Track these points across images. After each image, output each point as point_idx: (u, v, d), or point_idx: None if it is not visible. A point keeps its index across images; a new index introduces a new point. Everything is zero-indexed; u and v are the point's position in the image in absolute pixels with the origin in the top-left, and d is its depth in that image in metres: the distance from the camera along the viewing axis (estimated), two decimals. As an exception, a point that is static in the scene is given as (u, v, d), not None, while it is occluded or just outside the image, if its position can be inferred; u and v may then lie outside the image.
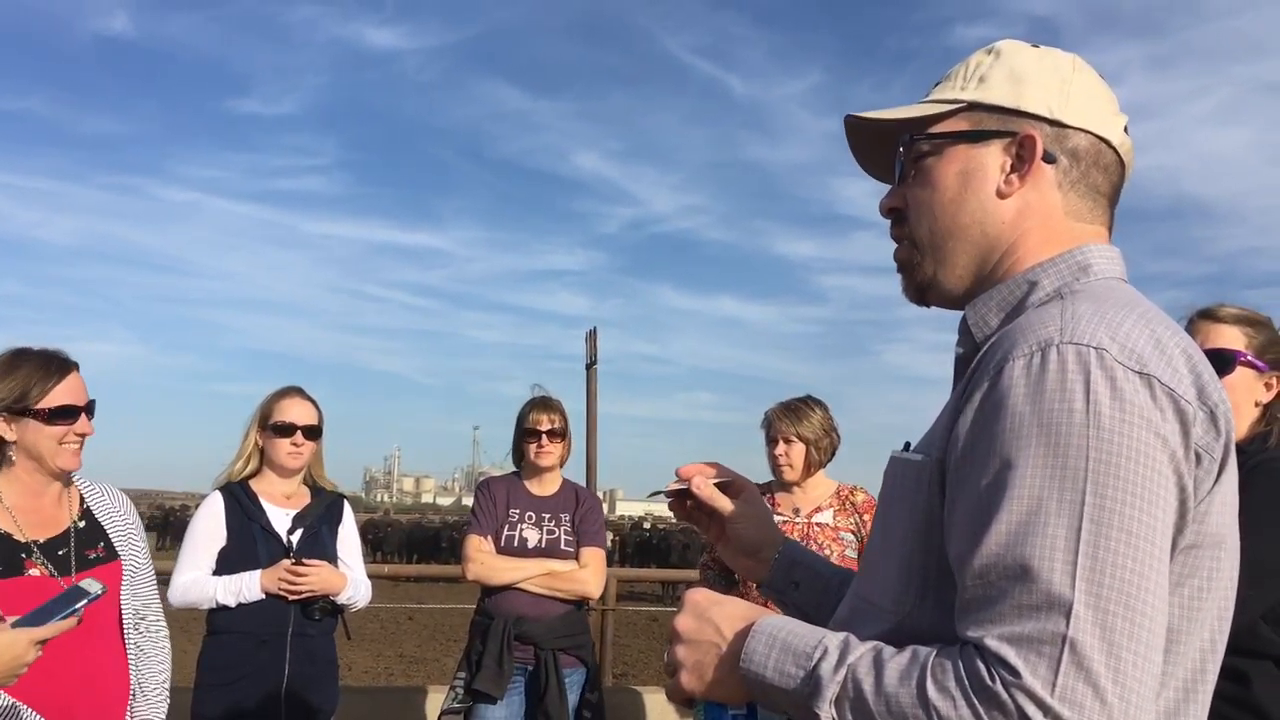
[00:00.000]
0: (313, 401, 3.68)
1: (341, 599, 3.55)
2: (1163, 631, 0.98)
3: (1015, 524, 1.00)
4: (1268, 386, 2.38)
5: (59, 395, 2.56)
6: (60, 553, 2.58)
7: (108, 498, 2.80)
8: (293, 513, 3.57)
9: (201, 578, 3.42)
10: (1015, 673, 0.94)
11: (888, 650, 1.05)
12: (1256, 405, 2.37)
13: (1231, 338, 2.39)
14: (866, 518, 3.87)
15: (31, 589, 2.43)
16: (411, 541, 31.15)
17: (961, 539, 1.05)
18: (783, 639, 1.11)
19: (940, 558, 1.10)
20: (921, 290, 1.32)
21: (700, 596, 1.23)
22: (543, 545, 3.99)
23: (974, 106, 1.27)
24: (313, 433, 3.62)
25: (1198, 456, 1.05)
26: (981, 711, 0.95)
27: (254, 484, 3.58)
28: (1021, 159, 1.23)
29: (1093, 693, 0.93)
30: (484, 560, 3.96)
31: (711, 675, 1.18)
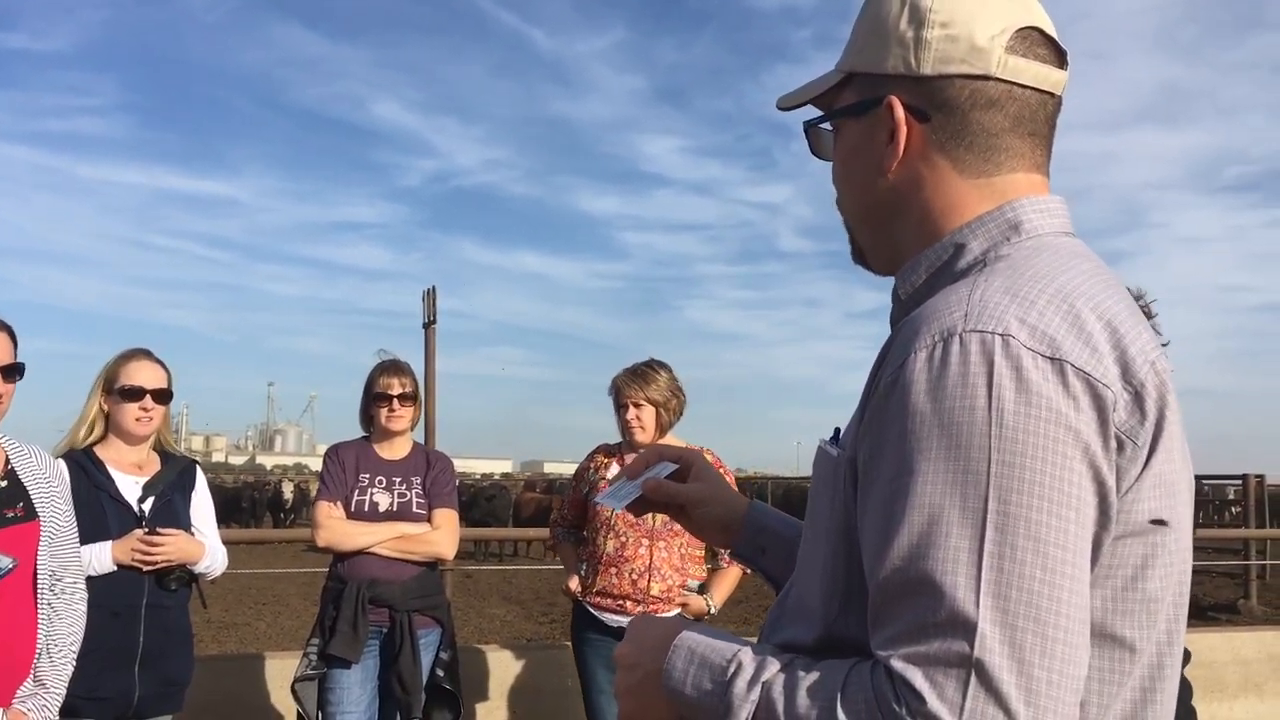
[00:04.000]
0: (162, 364, 3.58)
1: (199, 568, 3.50)
2: (1081, 642, 0.93)
3: (917, 535, 0.94)
4: None
5: None
6: None
7: (34, 460, 2.81)
8: (143, 480, 3.48)
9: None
10: (920, 698, 0.89)
11: (802, 667, 1.01)
12: None
13: None
14: None
15: None
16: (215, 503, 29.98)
17: (868, 550, 0.99)
18: (701, 653, 1.09)
19: (859, 563, 1.03)
20: (859, 259, 1.28)
21: (638, 621, 1.21)
22: (394, 509, 4.02)
23: (852, 76, 1.19)
24: (162, 396, 3.53)
25: (1120, 443, 0.97)
26: None
27: (99, 451, 3.46)
28: (894, 129, 1.14)
29: (1003, 716, 0.88)
30: (334, 526, 3.96)
31: (643, 696, 1.15)
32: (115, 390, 3.46)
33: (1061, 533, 0.92)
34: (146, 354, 3.57)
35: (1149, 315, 2.60)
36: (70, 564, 2.86)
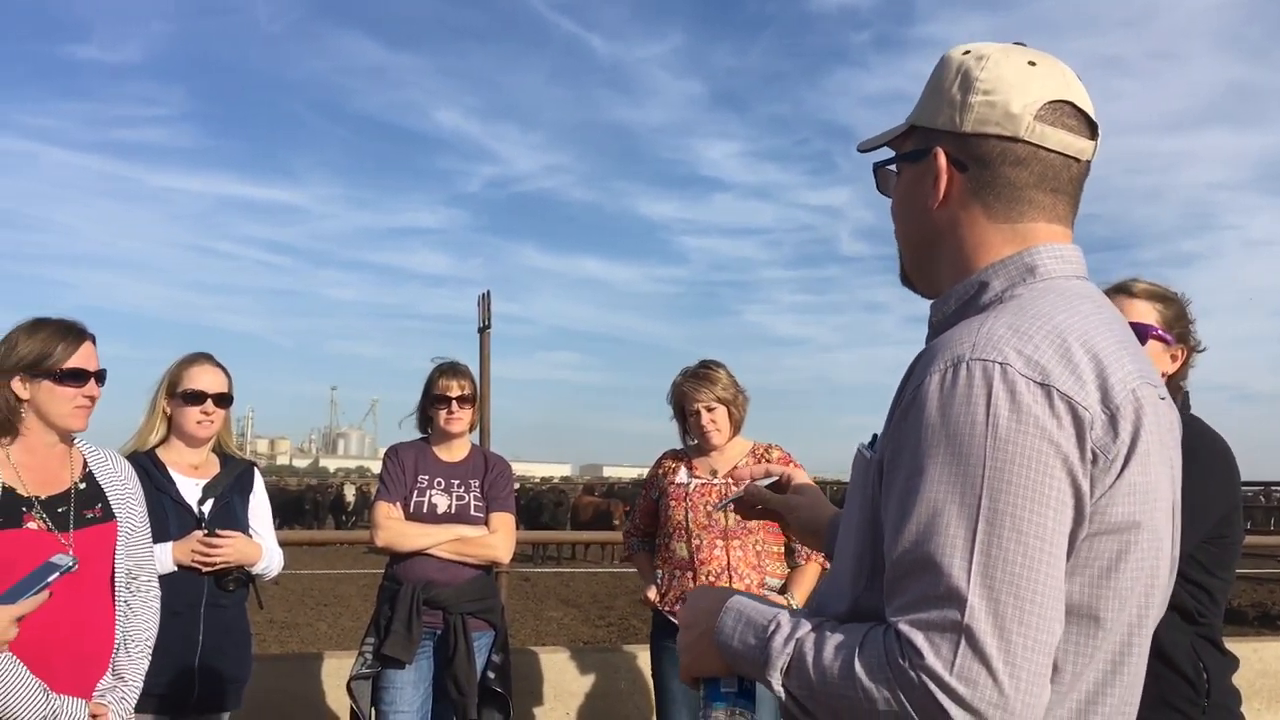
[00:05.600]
0: (223, 368, 3.63)
1: (256, 569, 3.55)
2: (1054, 615, 1.13)
3: (923, 524, 1.15)
4: (1173, 358, 2.57)
5: (73, 359, 2.73)
6: (60, 510, 2.70)
7: (110, 462, 2.92)
8: (202, 483, 3.53)
9: None
10: (920, 655, 1.10)
11: (830, 628, 1.22)
12: (1163, 375, 2.55)
13: (1143, 312, 2.56)
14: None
15: (28, 541, 2.59)
16: (275, 505, 30.45)
17: (887, 535, 1.20)
18: (747, 614, 1.31)
19: (881, 547, 1.23)
20: (905, 282, 1.50)
21: (696, 590, 1.43)
22: (452, 511, 4.04)
23: (914, 128, 1.41)
24: (223, 400, 3.58)
25: (1094, 456, 1.16)
26: (895, 686, 1.11)
27: (161, 453, 3.52)
28: (937, 175, 1.36)
29: (986, 671, 1.08)
30: (392, 526, 3.98)
31: (698, 650, 1.38)
32: (177, 394, 3.52)
33: (1040, 526, 1.13)
34: (208, 358, 3.63)
35: (1188, 320, 2.63)
36: (145, 563, 2.93)
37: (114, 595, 2.78)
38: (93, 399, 2.79)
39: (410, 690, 3.92)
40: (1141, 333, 2.51)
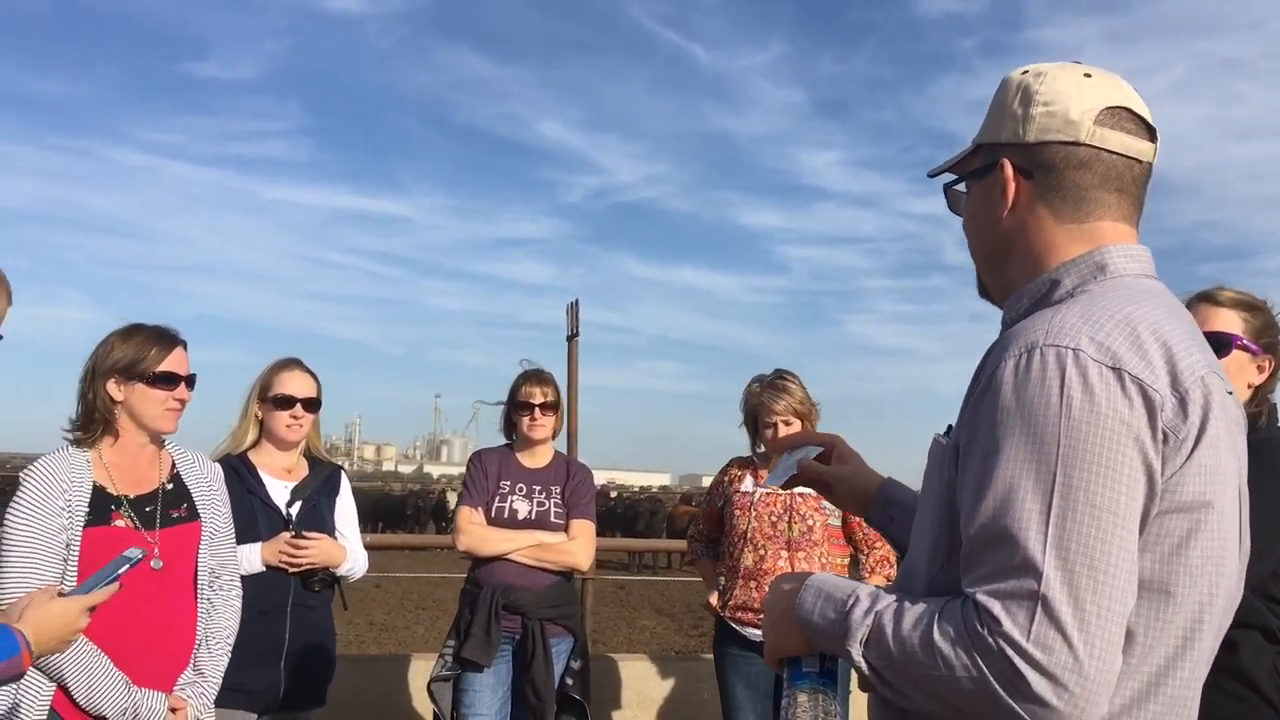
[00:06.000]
0: (312, 374, 3.72)
1: (340, 570, 3.63)
2: (1126, 586, 1.18)
3: (1000, 499, 1.20)
4: (1260, 369, 2.47)
5: (165, 364, 2.83)
6: (147, 509, 2.80)
7: (197, 464, 3.03)
8: (291, 485, 3.62)
9: None
10: (998, 622, 1.15)
11: (910, 600, 1.27)
12: (1249, 387, 2.46)
13: (1229, 321, 2.47)
14: None
15: (115, 538, 2.67)
16: (378, 510, 31.10)
17: (964, 512, 1.26)
18: (826, 590, 1.36)
19: (957, 529, 1.28)
20: (983, 294, 1.57)
21: (776, 579, 1.48)
22: (532, 517, 4.07)
23: (980, 147, 1.50)
24: (312, 405, 3.67)
25: (1165, 437, 1.21)
26: (974, 652, 1.16)
27: (253, 456, 3.62)
28: (1004, 184, 1.43)
29: (1061, 638, 1.13)
30: (474, 531, 4.04)
31: (780, 630, 1.44)
32: (268, 398, 3.62)
33: (1113, 501, 1.18)
34: (298, 364, 3.73)
35: (1278, 330, 2.54)
36: (228, 562, 3.02)
37: (196, 593, 2.87)
38: (183, 402, 2.88)
39: (489, 694, 3.96)
40: (1226, 342, 2.42)
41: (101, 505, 2.72)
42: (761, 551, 4.00)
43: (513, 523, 4.05)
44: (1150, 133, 1.43)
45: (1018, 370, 1.24)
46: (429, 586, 16.80)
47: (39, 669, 2.54)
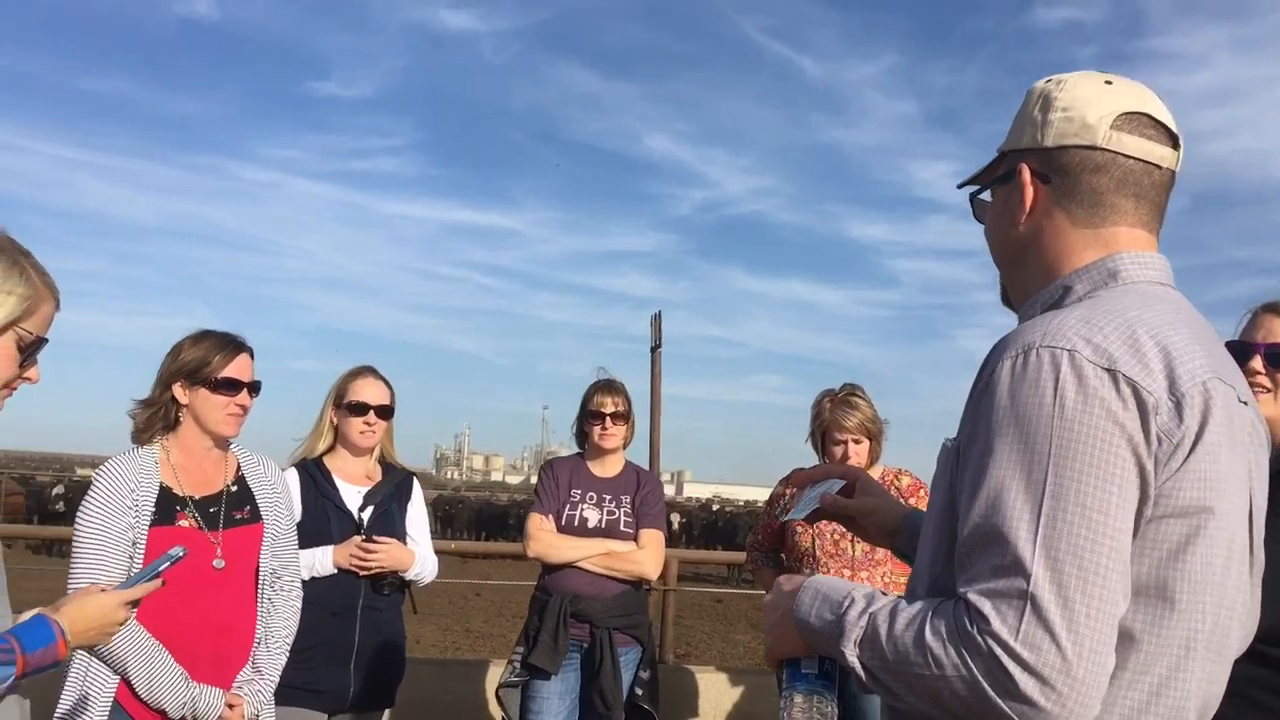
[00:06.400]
0: (385, 381, 3.80)
1: (409, 574, 3.69)
2: (1116, 586, 1.17)
3: (992, 499, 1.21)
4: None
5: (229, 369, 2.92)
6: (211, 510, 2.90)
7: (262, 468, 3.12)
8: (364, 490, 3.71)
9: None
10: (987, 621, 1.15)
11: (902, 602, 1.28)
12: None
13: None
14: (912, 501, 3.91)
15: (178, 538, 2.74)
16: (480, 519, 31.61)
17: (960, 511, 1.26)
18: (824, 592, 1.37)
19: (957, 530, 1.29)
20: (1006, 302, 1.57)
21: (780, 578, 1.50)
22: (602, 525, 4.10)
23: (1003, 155, 1.51)
24: (385, 412, 3.75)
25: (1159, 439, 1.20)
26: (964, 652, 1.16)
27: (328, 461, 3.72)
28: (1022, 189, 1.45)
29: (1049, 638, 1.13)
30: (544, 539, 4.08)
31: (779, 631, 1.44)
32: (343, 405, 3.72)
33: (1104, 501, 1.17)
34: (372, 371, 3.82)
35: None
36: (289, 564, 3.10)
37: (258, 593, 2.95)
38: (245, 408, 2.97)
39: (556, 701, 3.99)
40: None
41: (167, 505, 2.81)
42: (825, 570, 3.95)
43: (582, 531, 4.08)
44: (1173, 140, 1.42)
45: (1013, 371, 1.24)
46: (527, 595, 16.92)
47: (102, 661, 2.65)
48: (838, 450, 4.02)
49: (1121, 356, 1.21)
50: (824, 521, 3.91)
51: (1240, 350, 2.33)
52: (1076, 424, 1.18)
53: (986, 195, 1.58)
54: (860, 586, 1.34)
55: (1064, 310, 1.31)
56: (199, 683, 2.76)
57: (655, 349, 6.38)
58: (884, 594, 1.31)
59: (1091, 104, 1.40)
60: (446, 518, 34.25)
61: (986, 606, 1.16)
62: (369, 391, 3.73)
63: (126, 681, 2.68)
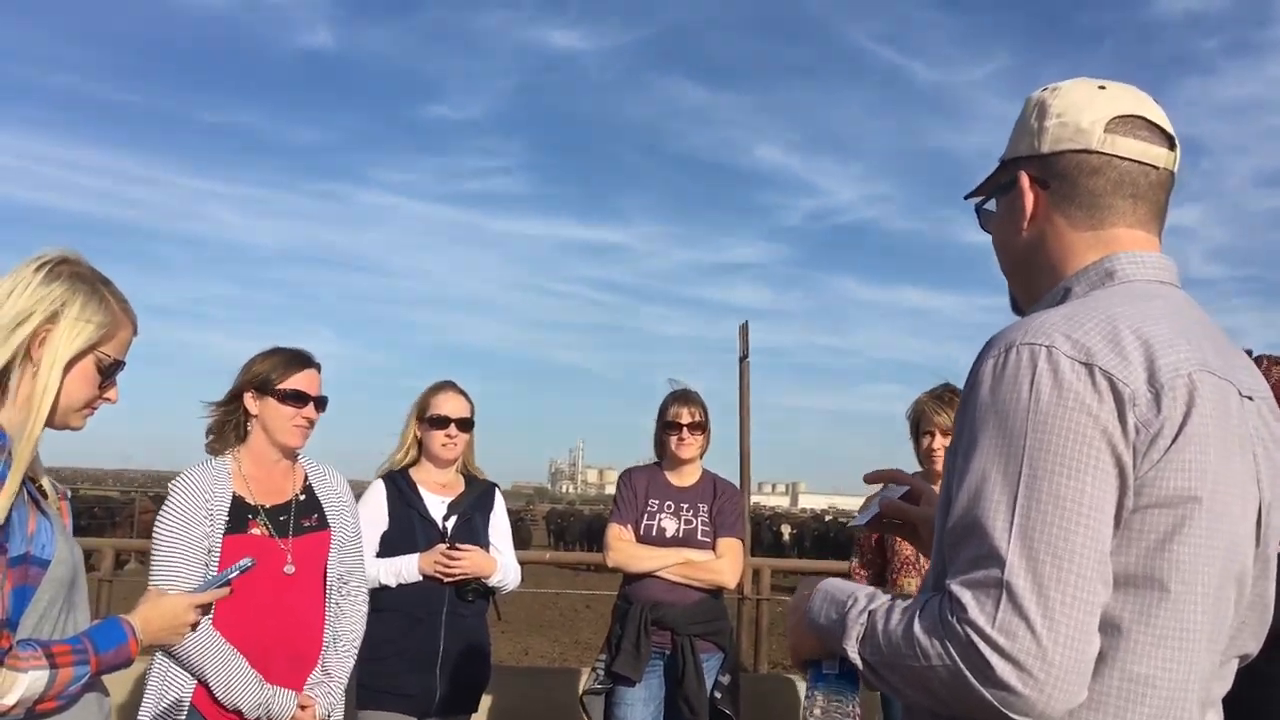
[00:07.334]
0: (465, 394, 3.94)
1: (492, 582, 3.81)
2: (1092, 574, 1.19)
3: (972, 492, 1.25)
4: None
5: (296, 382, 3.07)
6: (281, 518, 3.03)
7: (328, 478, 3.25)
8: (448, 500, 3.84)
9: (366, 559, 3.71)
10: (965, 610, 1.19)
11: (900, 600, 1.32)
12: None
13: None
14: None
15: (251, 545, 2.89)
16: (591, 531, 31.76)
17: (951, 505, 1.30)
18: (831, 594, 1.42)
19: None
20: (1016, 310, 1.59)
21: (803, 581, 1.55)
22: (680, 535, 4.14)
23: (1003, 164, 1.55)
24: (465, 425, 3.88)
25: (1137, 430, 1.22)
26: (946, 641, 1.21)
27: (413, 473, 3.87)
28: (1022, 195, 1.48)
29: (1025, 625, 1.16)
30: (623, 549, 4.14)
31: (798, 634, 1.49)
32: (426, 419, 3.86)
33: (1078, 491, 1.20)
34: (452, 385, 3.96)
35: None
36: (355, 569, 3.21)
37: (326, 597, 3.07)
38: (311, 420, 3.10)
39: (640, 707, 4.05)
40: None
41: (240, 514, 2.96)
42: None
43: (661, 540, 4.13)
44: (1169, 141, 1.45)
45: (995, 368, 1.28)
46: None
47: (181, 665, 2.80)
48: (926, 440, 3.96)
49: (1099, 350, 1.24)
50: (875, 528, 3.88)
51: None
52: (1051, 417, 1.21)
53: (992, 205, 1.60)
54: (865, 588, 1.39)
55: (1051, 309, 1.34)
56: (272, 684, 2.88)
57: (744, 359, 6.40)
58: (882, 594, 1.36)
59: (1085, 109, 1.43)
60: (559, 530, 34.60)
61: (966, 596, 1.20)
62: (450, 405, 3.87)
63: (204, 684, 2.82)
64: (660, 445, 4.35)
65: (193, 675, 2.83)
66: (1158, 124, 1.45)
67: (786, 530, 29.94)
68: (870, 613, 1.32)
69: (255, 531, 2.97)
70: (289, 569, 2.97)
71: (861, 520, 1.88)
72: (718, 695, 4.07)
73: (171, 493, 2.94)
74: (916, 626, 1.24)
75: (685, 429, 4.22)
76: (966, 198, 1.65)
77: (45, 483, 2.01)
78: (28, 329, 1.88)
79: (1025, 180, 1.48)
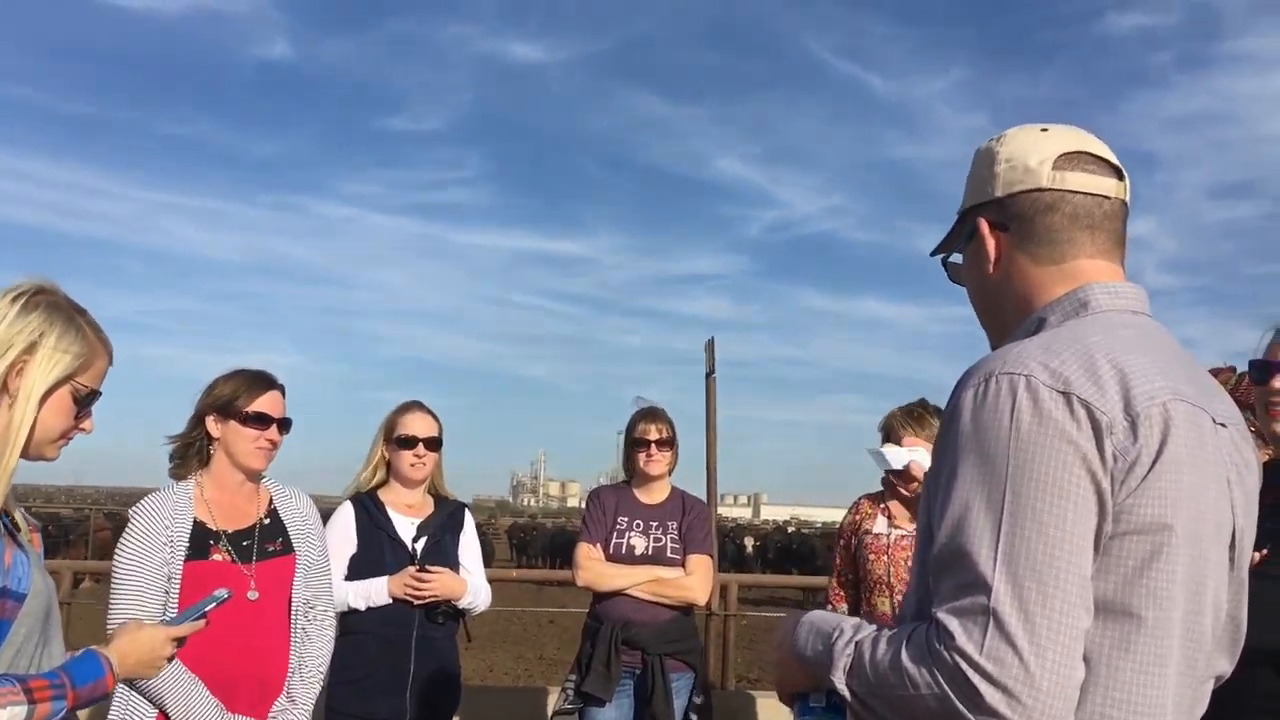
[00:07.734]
0: (432, 414, 3.92)
1: (462, 603, 3.77)
2: (1076, 599, 1.21)
3: (956, 519, 1.27)
4: None
5: (259, 405, 3.01)
6: (244, 543, 2.98)
7: (294, 500, 3.19)
8: (417, 521, 3.81)
9: (334, 583, 3.67)
10: (953, 638, 1.21)
11: (885, 629, 1.34)
12: None
13: None
14: None
15: (212, 572, 2.86)
16: (554, 546, 31.61)
17: (933, 534, 1.32)
18: (817, 625, 1.43)
19: None
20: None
21: (789, 615, 1.56)
22: (649, 552, 4.14)
23: (963, 215, 1.60)
24: (434, 444, 3.85)
25: (1115, 458, 1.24)
26: (934, 669, 1.22)
27: (381, 494, 3.83)
28: (984, 241, 1.52)
29: (1012, 651, 1.18)
30: (593, 567, 4.13)
31: (785, 667, 1.51)
32: (393, 439, 3.83)
33: (1060, 517, 1.22)
34: (420, 405, 3.94)
35: None
36: (322, 594, 3.16)
37: (291, 623, 3.02)
38: (274, 443, 3.05)
39: (610, 727, 4.04)
40: None
41: (201, 540, 2.90)
42: (900, 598, 3.89)
43: (630, 558, 4.13)
44: (1116, 172, 1.49)
45: (975, 398, 1.30)
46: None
47: (141, 694, 2.76)
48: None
49: (1076, 379, 1.26)
50: (899, 548, 3.88)
51: (1261, 369, 2.33)
52: (1032, 445, 1.23)
53: (957, 258, 1.64)
54: (850, 619, 1.39)
55: (1027, 339, 1.37)
56: (234, 713, 2.83)
57: (710, 375, 6.42)
58: (867, 624, 1.36)
59: (1031, 150, 1.48)
60: (522, 545, 34.40)
61: (953, 624, 1.21)
62: (417, 425, 3.84)
63: (165, 714, 2.77)
64: (629, 463, 4.35)
65: (153, 704, 2.78)
66: (1103, 157, 1.49)
67: (750, 542, 29.92)
68: (857, 643, 1.33)
69: (217, 557, 2.92)
70: (252, 595, 2.91)
71: (896, 465, 2.16)
72: (692, 716, 4.07)
73: (132, 519, 2.90)
74: (904, 656, 1.25)
75: (654, 445, 4.23)
76: (932, 254, 1.69)
77: (18, 515, 1.98)
78: (5, 361, 1.86)
79: (985, 226, 1.52)
